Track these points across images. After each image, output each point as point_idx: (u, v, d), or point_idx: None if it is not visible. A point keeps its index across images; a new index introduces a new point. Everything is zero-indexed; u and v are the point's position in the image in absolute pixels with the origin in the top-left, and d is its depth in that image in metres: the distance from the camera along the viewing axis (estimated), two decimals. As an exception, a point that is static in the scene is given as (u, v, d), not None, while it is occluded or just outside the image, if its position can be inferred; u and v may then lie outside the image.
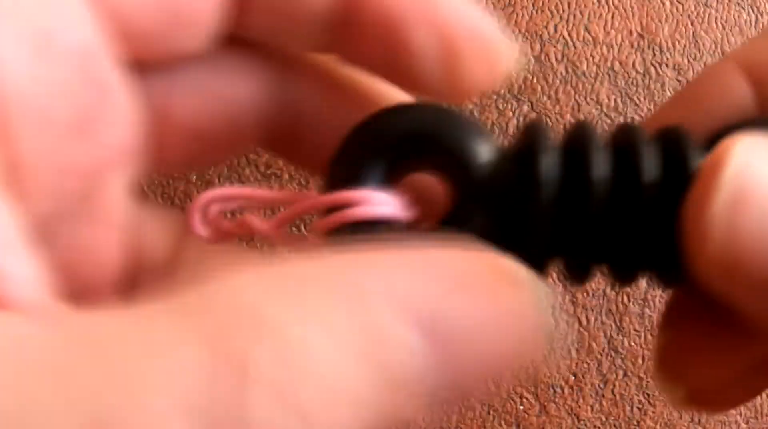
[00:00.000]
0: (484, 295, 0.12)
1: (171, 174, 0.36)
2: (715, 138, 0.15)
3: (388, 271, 0.12)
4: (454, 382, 0.12)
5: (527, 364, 0.13)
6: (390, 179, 0.15)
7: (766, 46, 0.17)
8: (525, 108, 0.36)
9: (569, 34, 0.37)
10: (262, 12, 0.15)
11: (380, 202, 0.14)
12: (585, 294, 0.35)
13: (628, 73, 0.37)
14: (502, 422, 0.35)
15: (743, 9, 0.37)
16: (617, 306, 0.35)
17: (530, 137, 0.15)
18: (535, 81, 0.36)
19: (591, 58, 0.37)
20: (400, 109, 0.15)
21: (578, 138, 0.15)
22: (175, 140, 0.16)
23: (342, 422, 0.11)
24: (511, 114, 0.36)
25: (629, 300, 0.35)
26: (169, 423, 0.10)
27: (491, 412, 0.35)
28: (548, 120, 0.36)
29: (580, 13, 0.37)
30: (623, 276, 0.15)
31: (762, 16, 0.37)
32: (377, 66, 0.16)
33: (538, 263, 0.14)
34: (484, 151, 0.14)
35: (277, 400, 0.10)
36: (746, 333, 0.15)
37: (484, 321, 0.12)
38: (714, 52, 0.37)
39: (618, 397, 0.35)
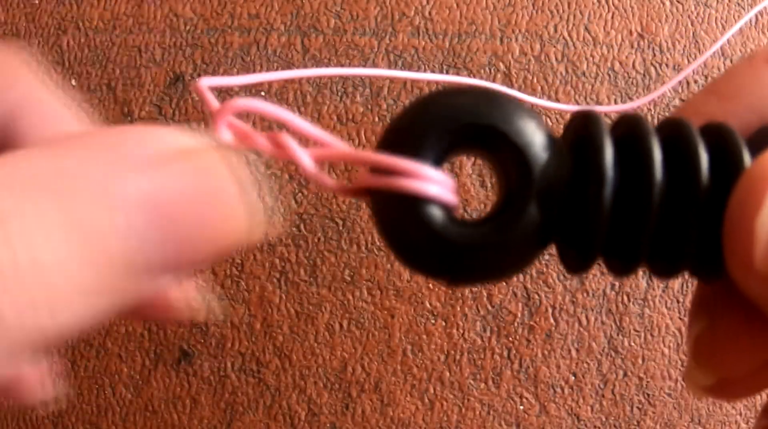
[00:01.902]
0: (172, 169, 0.13)
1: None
2: (753, 138, 0.15)
3: (88, 162, 0.12)
4: (175, 248, 0.13)
5: (240, 234, 0.14)
6: (443, 158, 0.15)
7: None
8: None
9: (569, 34, 0.37)
10: None
11: (435, 181, 0.14)
12: (585, 294, 0.35)
13: (628, 73, 0.37)
14: (502, 422, 0.35)
15: (743, 9, 0.37)
16: (617, 306, 0.35)
17: (588, 128, 0.15)
18: (535, 81, 0.36)
19: (591, 58, 0.37)
20: (470, 93, 0.15)
21: (635, 133, 0.14)
22: None
23: (75, 310, 0.12)
24: (511, 114, 0.36)
25: (629, 300, 0.35)
26: None
27: (491, 412, 0.35)
28: (548, 120, 0.36)
29: (580, 13, 0.37)
30: (666, 273, 0.15)
31: (762, 16, 0.37)
32: None
33: (587, 255, 0.15)
34: (541, 142, 0.14)
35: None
36: None
37: (177, 190, 0.13)
38: (714, 52, 0.37)
39: (618, 397, 0.35)
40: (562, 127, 0.36)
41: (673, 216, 0.14)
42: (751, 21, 0.37)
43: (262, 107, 0.14)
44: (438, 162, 0.14)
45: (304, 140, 0.15)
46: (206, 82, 0.15)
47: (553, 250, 0.15)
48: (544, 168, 0.14)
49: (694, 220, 0.14)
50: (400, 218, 0.14)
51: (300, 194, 0.35)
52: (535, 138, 0.14)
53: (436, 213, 0.14)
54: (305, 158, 0.14)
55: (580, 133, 0.15)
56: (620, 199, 0.14)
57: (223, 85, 0.16)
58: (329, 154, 0.15)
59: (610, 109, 0.36)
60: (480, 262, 0.14)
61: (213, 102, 0.15)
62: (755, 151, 0.14)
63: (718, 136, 0.14)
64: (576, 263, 0.15)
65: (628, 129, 0.15)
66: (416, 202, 0.14)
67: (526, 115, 0.14)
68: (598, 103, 0.36)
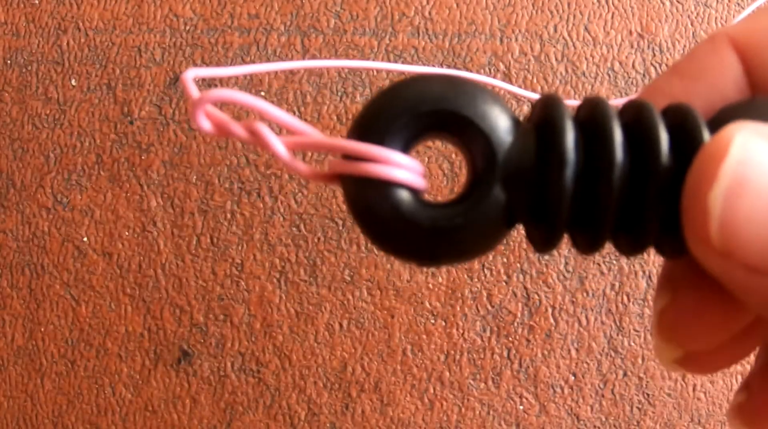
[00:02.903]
0: None
1: (170, 174, 0.36)
2: (715, 117, 0.16)
3: None
4: None
5: None
6: (411, 143, 0.15)
7: (755, 27, 0.18)
8: (525, 108, 0.36)
9: (569, 34, 0.37)
10: None
11: (402, 165, 0.15)
12: (585, 294, 0.35)
13: (628, 73, 0.37)
14: (502, 422, 0.35)
15: (743, 9, 0.37)
16: (617, 306, 0.35)
17: (551, 112, 0.15)
18: (535, 81, 0.36)
19: (591, 58, 0.37)
20: (436, 80, 0.15)
21: (597, 115, 0.15)
22: None
23: None
24: (511, 114, 0.36)
25: (629, 300, 0.35)
26: None
27: (491, 412, 0.35)
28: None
29: (580, 13, 0.37)
30: (630, 250, 0.16)
31: (762, 16, 0.37)
32: None
33: (552, 234, 0.15)
34: (506, 126, 0.15)
35: None
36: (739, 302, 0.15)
37: None
38: (714, 52, 0.37)
39: (618, 397, 0.35)
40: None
41: (635, 194, 0.14)
42: (751, 21, 0.37)
43: (238, 97, 0.15)
44: (406, 147, 0.15)
45: (280, 128, 0.16)
46: (192, 73, 0.16)
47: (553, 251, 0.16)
48: (508, 151, 0.15)
49: (654, 198, 0.14)
50: (370, 202, 0.15)
51: (300, 194, 0.35)
52: (500, 122, 0.15)
53: (405, 196, 0.15)
54: (279, 146, 0.15)
55: (543, 117, 0.15)
56: (583, 179, 0.14)
57: (210, 76, 0.17)
58: (302, 142, 0.15)
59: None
60: (447, 243, 0.15)
61: (194, 92, 0.15)
62: (715, 131, 0.14)
63: (679, 117, 0.15)
64: (542, 242, 0.15)
65: (591, 111, 0.15)
66: (385, 187, 0.15)
67: (490, 100, 0.15)
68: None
